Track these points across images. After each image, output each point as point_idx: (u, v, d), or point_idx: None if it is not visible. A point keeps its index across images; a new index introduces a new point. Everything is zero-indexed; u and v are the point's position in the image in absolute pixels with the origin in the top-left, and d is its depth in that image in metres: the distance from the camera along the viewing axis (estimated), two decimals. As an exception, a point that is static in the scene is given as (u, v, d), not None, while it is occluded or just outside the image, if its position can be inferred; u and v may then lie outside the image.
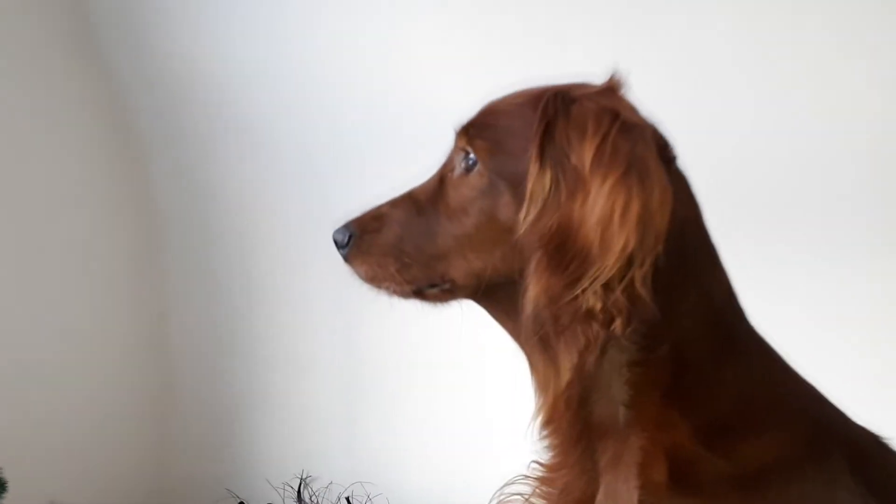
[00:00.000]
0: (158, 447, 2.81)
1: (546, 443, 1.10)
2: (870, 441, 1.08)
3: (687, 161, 1.05)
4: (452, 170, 1.12)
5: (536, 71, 1.09)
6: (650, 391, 1.02)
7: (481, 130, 1.08)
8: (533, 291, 0.97)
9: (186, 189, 2.80)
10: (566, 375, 1.02)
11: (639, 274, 0.94)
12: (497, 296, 1.08)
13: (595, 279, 0.94)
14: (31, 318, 2.48)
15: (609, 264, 0.94)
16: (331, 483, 2.50)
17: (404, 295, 1.13)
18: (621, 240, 0.93)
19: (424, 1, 2.39)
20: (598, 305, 0.94)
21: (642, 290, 0.95)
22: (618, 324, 0.95)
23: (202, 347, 2.82)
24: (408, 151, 2.25)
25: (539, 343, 1.04)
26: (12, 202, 2.44)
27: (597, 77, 1.07)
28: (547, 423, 1.07)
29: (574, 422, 1.05)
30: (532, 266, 0.98)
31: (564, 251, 0.96)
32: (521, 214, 0.99)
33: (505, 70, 1.36)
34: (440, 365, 2.33)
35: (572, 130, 0.99)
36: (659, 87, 1.05)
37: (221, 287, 2.76)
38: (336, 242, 1.15)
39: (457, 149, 1.11)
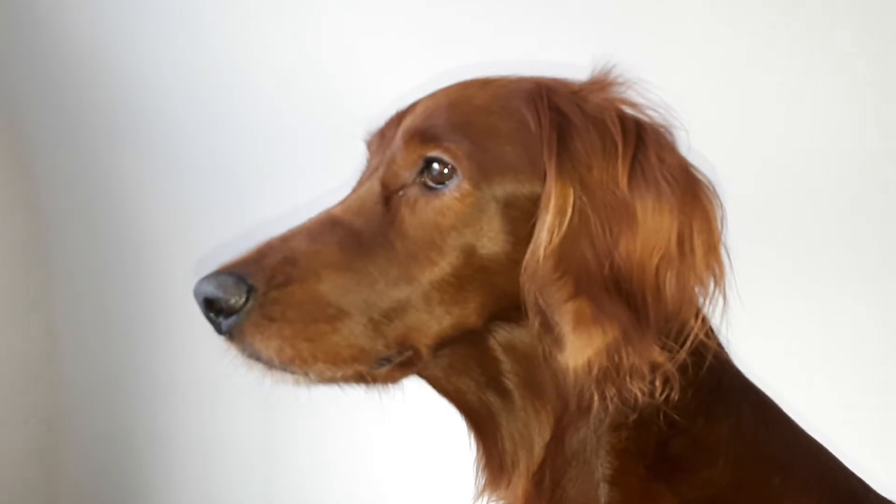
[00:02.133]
0: (43, 492, 2.53)
1: None
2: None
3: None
4: (403, 186, 0.81)
5: (458, 61, 0.88)
6: (634, 462, 0.82)
7: (452, 131, 0.79)
8: (582, 353, 0.74)
9: (79, 195, 2.36)
10: (537, 453, 0.83)
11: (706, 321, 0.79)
12: (455, 358, 0.82)
13: (664, 330, 0.76)
14: None
15: (689, 309, 0.77)
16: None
17: (341, 379, 0.78)
18: (707, 279, 0.77)
19: None
20: (648, 364, 0.75)
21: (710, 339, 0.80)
22: (659, 386, 0.77)
23: (95, 373, 2.49)
24: (332, 155, 2.07)
25: (518, 410, 0.83)
26: None
27: (567, 68, 0.86)
28: None
29: None
30: (567, 318, 0.74)
31: (623, 297, 0.75)
32: (542, 239, 0.75)
33: (423, 62, 1.14)
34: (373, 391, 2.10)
35: (592, 139, 0.78)
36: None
37: (118, 305, 2.47)
38: (215, 305, 0.75)
39: (407, 156, 0.81)
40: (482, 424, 0.86)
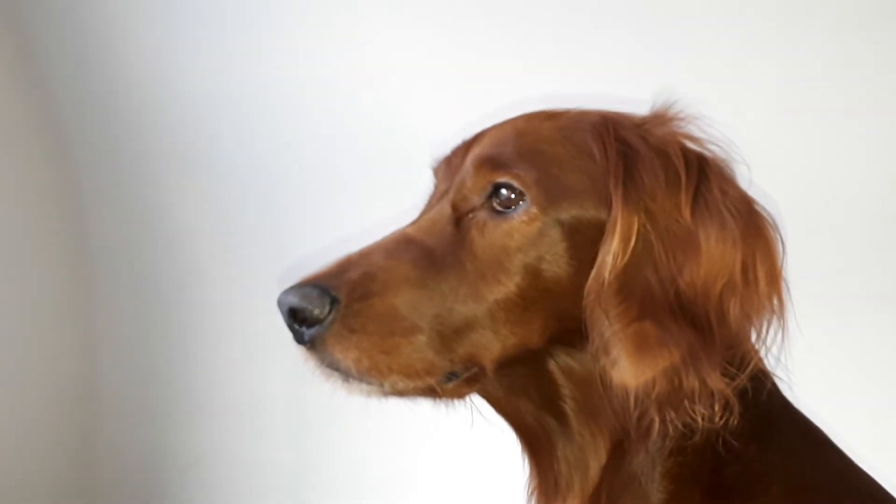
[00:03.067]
0: (81, 496, 2.48)
1: None
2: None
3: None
4: (473, 210, 0.84)
5: (518, 95, 0.91)
6: (689, 487, 0.84)
7: (521, 159, 0.83)
8: (639, 374, 0.77)
9: (123, 216, 2.45)
10: (593, 476, 0.84)
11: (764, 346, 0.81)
12: (515, 379, 0.84)
13: (742, 357, 0.79)
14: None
15: (749, 334, 0.80)
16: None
17: (412, 392, 0.80)
18: (770, 301, 0.80)
19: (391, 18, 2.13)
20: (723, 386, 0.78)
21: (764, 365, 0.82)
22: (719, 411, 0.79)
23: (133, 389, 2.48)
24: (378, 184, 2.04)
25: (575, 432, 0.85)
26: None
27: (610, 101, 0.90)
28: None
29: None
30: (626, 339, 0.77)
31: (687, 320, 0.77)
32: (607, 265, 0.78)
33: (481, 94, 1.17)
34: (400, 408, 2.10)
35: (656, 171, 0.81)
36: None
37: (157, 326, 2.46)
38: (300, 316, 0.78)
39: (477, 181, 0.85)
40: (538, 446, 0.88)
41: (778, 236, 0.82)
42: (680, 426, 0.79)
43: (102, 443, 2.50)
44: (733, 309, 0.78)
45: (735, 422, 0.80)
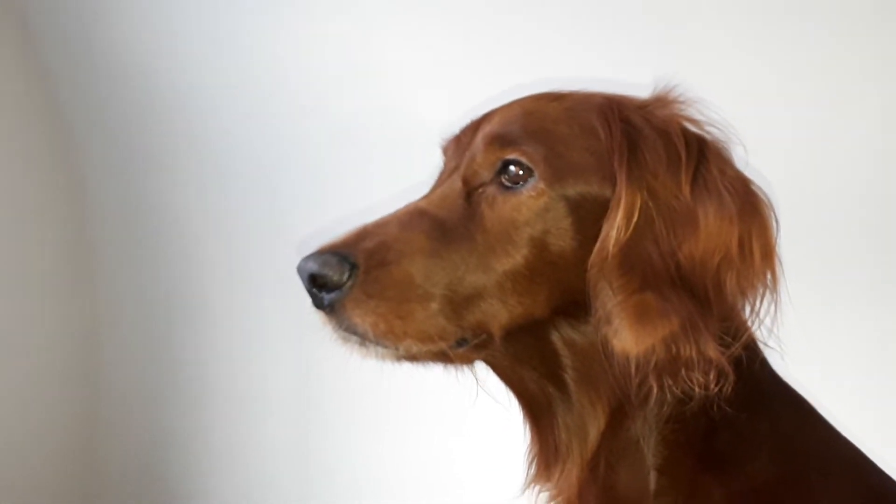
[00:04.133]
0: (84, 491, 2.48)
1: None
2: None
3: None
4: (483, 185, 0.88)
5: (523, 78, 0.95)
6: (683, 453, 0.88)
7: (529, 137, 0.87)
8: (639, 341, 0.81)
9: (125, 207, 2.46)
10: (592, 442, 0.88)
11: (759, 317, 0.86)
12: (517, 345, 0.88)
13: (721, 326, 0.83)
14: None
15: (744, 306, 0.85)
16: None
17: (424, 356, 0.84)
18: (763, 280, 0.84)
19: (394, 4, 2.15)
20: (705, 357, 0.82)
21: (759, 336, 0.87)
22: (713, 379, 0.83)
23: (135, 378, 2.49)
24: (379, 168, 2.07)
25: (575, 401, 0.89)
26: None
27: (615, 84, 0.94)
28: (572, 498, 0.89)
29: (601, 494, 0.88)
30: (628, 309, 0.81)
31: (687, 291, 0.82)
32: (610, 239, 0.82)
33: (487, 77, 1.21)
34: (406, 396, 2.12)
35: (660, 149, 0.85)
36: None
37: (160, 311, 2.45)
38: (320, 281, 0.81)
39: (487, 157, 0.89)
40: (539, 414, 0.92)
41: (772, 215, 0.86)
42: (678, 393, 0.83)
43: (105, 436, 2.51)
44: (730, 282, 0.83)
45: (728, 390, 0.84)
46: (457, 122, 0.97)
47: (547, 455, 0.92)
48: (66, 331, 2.52)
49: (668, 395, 0.85)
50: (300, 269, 0.82)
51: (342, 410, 2.26)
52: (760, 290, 0.84)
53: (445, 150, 0.97)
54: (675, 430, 0.88)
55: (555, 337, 0.88)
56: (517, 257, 0.85)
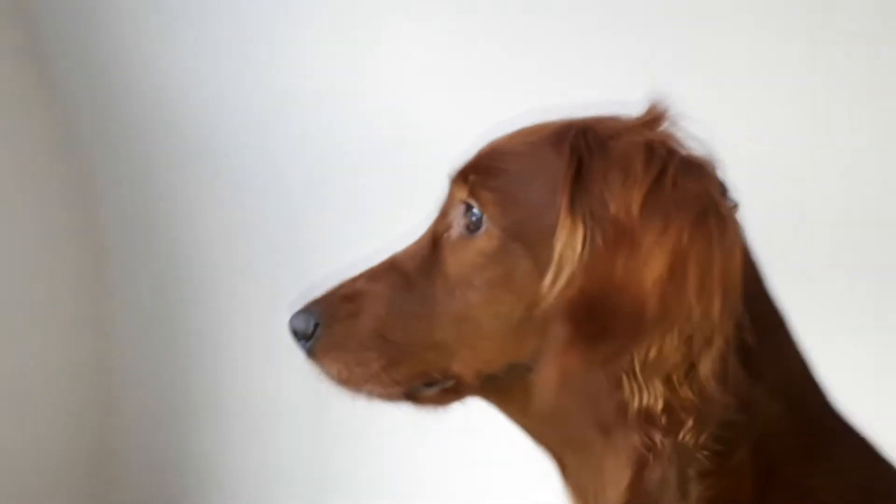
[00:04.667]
0: (98, 499, 2.52)
1: None
2: None
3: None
4: (449, 229, 0.88)
5: (542, 101, 0.88)
6: None
7: (487, 177, 0.85)
8: (550, 374, 0.76)
9: (139, 219, 2.52)
10: (616, 494, 0.80)
11: (711, 356, 0.74)
12: (512, 391, 0.85)
13: (653, 364, 0.73)
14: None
15: (675, 340, 0.73)
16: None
17: (392, 398, 0.88)
18: (698, 306, 0.72)
19: (412, 24, 2.13)
20: (660, 404, 0.74)
21: (717, 384, 0.74)
22: (688, 429, 0.74)
23: (148, 386, 2.52)
24: (398, 194, 2.03)
25: (575, 448, 0.83)
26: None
27: (626, 106, 0.85)
28: None
29: None
30: (552, 343, 0.76)
31: (601, 318, 0.75)
32: (547, 281, 0.77)
33: (507, 100, 1.17)
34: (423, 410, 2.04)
35: (612, 173, 0.77)
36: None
37: (172, 317, 2.49)
38: (295, 333, 0.90)
39: (453, 201, 0.88)
40: (558, 459, 0.88)
41: (731, 238, 0.74)
42: (641, 442, 0.76)
43: (118, 445, 2.55)
44: (650, 306, 0.73)
45: (698, 439, 0.75)
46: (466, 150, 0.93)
47: (580, 499, 0.87)
48: (78, 345, 2.51)
49: (696, 449, 0.76)
50: (289, 325, 0.92)
51: (357, 416, 2.21)
52: (693, 320, 0.72)
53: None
54: (713, 486, 0.78)
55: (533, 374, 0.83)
56: (475, 301, 0.83)
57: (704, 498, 0.78)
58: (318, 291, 0.91)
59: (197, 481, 2.48)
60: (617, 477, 0.80)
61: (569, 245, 0.77)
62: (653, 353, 0.73)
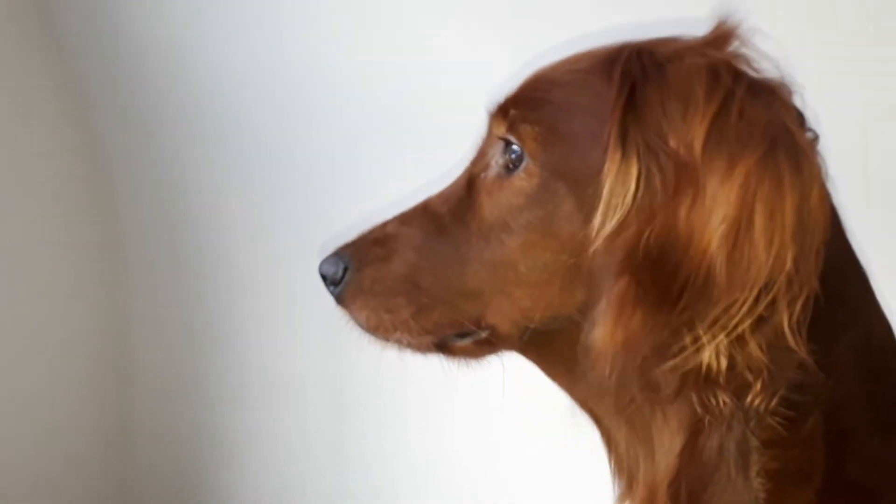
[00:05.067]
0: (118, 489, 2.52)
1: None
2: None
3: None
4: (486, 169, 0.81)
5: (590, 26, 0.79)
6: (796, 486, 0.71)
7: (528, 110, 0.77)
8: (609, 336, 0.67)
9: (155, 197, 2.49)
10: (667, 462, 0.73)
11: (789, 313, 0.65)
12: (554, 345, 0.78)
13: (719, 322, 0.64)
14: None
15: (745, 298, 0.64)
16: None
17: (422, 349, 0.83)
18: (768, 258, 0.64)
19: None
20: (723, 363, 0.65)
21: (793, 339, 0.65)
22: (756, 391, 0.66)
23: (168, 369, 2.49)
24: (419, 150, 1.96)
25: (623, 412, 0.76)
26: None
27: (690, 26, 0.75)
28: None
29: None
30: (609, 299, 0.68)
31: (665, 276, 0.66)
32: (595, 225, 0.69)
33: (550, 27, 1.06)
34: (440, 389, 1.95)
35: (671, 100, 0.68)
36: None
37: (188, 301, 2.46)
38: (325, 278, 0.86)
39: (491, 138, 0.81)
40: (599, 424, 0.81)
41: (808, 172, 0.64)
42: (725, 405, 0.67)
43: (137, 426, 2.53)
44: (718, 261, 0.64)
45: (772, 403, 0.67)
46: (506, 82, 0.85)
47: (622, 472, 0.81)
48: (96, 326, 2.51)
49: (761, 414, 0.68)
50: (319, 270, 0.88)
51: (377, 399, 2.20)
52: (766, 283, 0.63)
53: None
54: (780, 457, 0.70)
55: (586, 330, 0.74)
56: (512, 246, 0.76)
57: (767, 470, 0.70)
58: (350, 236, 0.87)
59: (215, 452, 2.47)
60: (668, 444, 0.73)
61: (619, 182, 0.68)
62: (719, 312, 0.64)
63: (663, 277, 0.65)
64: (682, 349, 0.65)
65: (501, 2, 1.91)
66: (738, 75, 0.68)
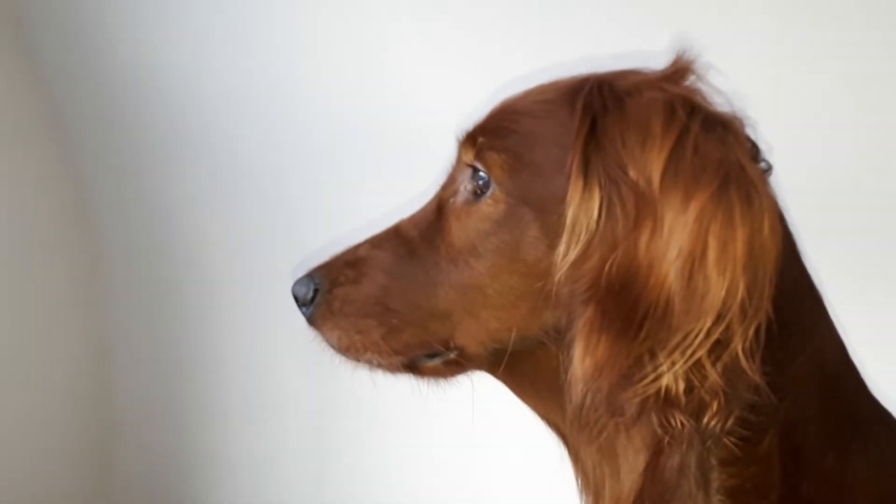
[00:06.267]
0: (98, 476, 2.50)
1: None
2: None
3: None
4: (455, 194, 0.84)
5: (557, 56, 0.81)
6: (754, 503, 0.74)
7: (495, 139, 0.80)
8: (582, 365, 0.70)
9: (134, 210, 2.48)
10: (631, 479, 0.76)
11: (742, 339, 0.68)
12: (522, 367, 0.81)
13: (678, 349, 0.67)
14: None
15: (701, 326, 0.67)
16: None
17: (392, 369, 0.85)
18: (721, 289, 0.66)
19: (403, 8, 2.05)
20: (681, 387, 0.68)
21: (747, 363, 0.68)
22: (713, 413, 0.69)
23: (149, 389, 2.49)
24: (399, 170, 1.95)
25: (589, 432, 0.77)
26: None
27: (650, 58, 0.78)
28: None
29: None
30: (578, 327, 0.71)
31: (628, 306, 0.69)
32: (560, 251, 0.72)
33: (518, 57, 1.10)
34: (424, 398, 1.96)
35: (630, 132, 0.71)
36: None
37: (172, 321, 2.46)
38: (296, 299, 0.88)
39: (460, 164, 0.84)
40: (567, 443, 0.84)
41: (759, 205, 0.67)
42: (663, 429, 0.70)
43: (119, 444, 2.52)
44: (675, 292, 0.67)
45: (725, 424, 0.69)
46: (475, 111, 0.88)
47: (589, 490, 0.83)
48: (75, 344, 2.49)
49: (718, 434, 0.71)
50: (291, 291, 0.90)
51: (361, 418, 2.21)
52: (719, 299, 0.66)
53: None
54: (737, 474, 0.73)
55: (558, 352, 0.77)
56: (480, 269, 0.79)
57: (726, 487, 0.73)
58: (322, 258, 0.89)
59: (198, 472, 2.47)
60: (631, 462, 0.76)
61: (582, 210, 0.71)
62: (678, 339, 0.67)
63: (626, 307, 0.68)
64: (644, 375, 0.67)
65: (472, 31, 1.95)
66: (693, 110, 0.71)
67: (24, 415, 2.34)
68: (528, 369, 0.80)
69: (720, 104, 0.73)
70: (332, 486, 2.31)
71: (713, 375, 0.67)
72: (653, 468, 0.74)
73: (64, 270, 2.47)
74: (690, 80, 0.75)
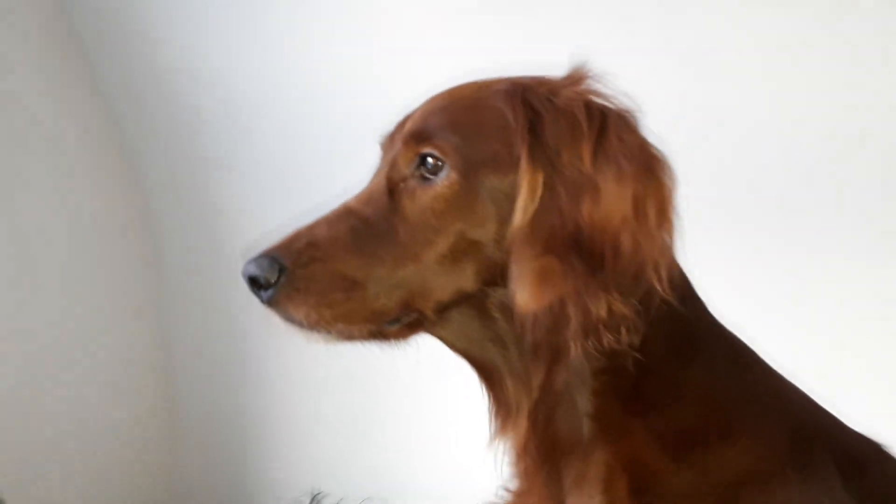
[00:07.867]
0: (164, 467, 2.70)
1: (514, 468, 1.01)
2: (866, 448, 1.01)
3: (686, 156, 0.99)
4: (404, 179, 0.96)
5: (466, 65, 1.01)
6: (612, 401, 0.96)
7: (442, 130, 0.94)
8: (534, 299, 0.88)
9: (189, 203, 2.61)
10: (536, 393, 0.95)
11: (664, 273, 0.90)
12: (459, 318, 0.96)
13: (624, 286, 0.88)
14: (29, 339, 2.39)
15: (649, 269, 0.89)
16: (341, 500, 2.41)
17: (359, 337, 0.94)
18: (661, 241, 0.89)
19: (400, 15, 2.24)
20: (619, 313, 0.88)
21: (668, 293, 0.90)
22: (625, 333, 0.90)
23: (207, 364, 2.68)
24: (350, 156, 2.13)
25: (516, 359, 0.96)
26: (12, 223, 2.38)
27: (553, 67, 0.99)
28: (519, 448, 0.98)
29: (542, 442, 0.97)
30: (528, 272, 0.88)
31: (584, 254, 0.88)
32: (516, 220, 0.90)
33: (433, 67, 1.30)
34: (453, 376, 2.16)
35: (561, 127, 0.91)
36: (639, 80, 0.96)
37: (225, 303, 2.59)
38: (255, 282, 0.92)
39: (405, 154, 0.96)
40: (490, 375, 1.00)
41: (670, 176, 0.91)
42: (592, 349, 0.90)
43: (184, 444, 2.66)
44: (625, 241, 0.88)
45: (636, 342, 0.91)
46: (393, 118, 1.04)
47: (501, 411, 1.00)
48: (141, 331, 2.67)
49: (579, 349, 0.90)
50: (242, 273, 0.94)
51: (394, 390, 2.34)
52: (658, 249, 0.89)
53: (383, 147, 1.05)
54: (605, 381, 0.95)
55: (489, 304, 0.95)
56: (440, 243, 0.93)
57: (596, 391, 0.95)
58: (272, 240, 0.94)
59: (262, 473, 2.57)
60: (537, 379, 0.95)
61: (531, 188, 0.89)
62: (626, 279, 0.88)
63: (584, 256, 0.88)
64: (588, 305, 0.87)
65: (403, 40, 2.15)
66: (605, 107, 0.93)
67: (88, 415, 2.51)
68: (464, 319, 0.96)
69: (618, 101, 0.94)
70: (392, 483, 2.39)
71: (630, 308, 0.89)
72: (550, 383, 0.95)
73: (127, 275, 2.65)
74: (588, 84, 0.95)
